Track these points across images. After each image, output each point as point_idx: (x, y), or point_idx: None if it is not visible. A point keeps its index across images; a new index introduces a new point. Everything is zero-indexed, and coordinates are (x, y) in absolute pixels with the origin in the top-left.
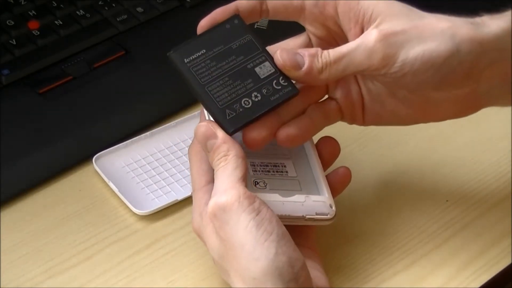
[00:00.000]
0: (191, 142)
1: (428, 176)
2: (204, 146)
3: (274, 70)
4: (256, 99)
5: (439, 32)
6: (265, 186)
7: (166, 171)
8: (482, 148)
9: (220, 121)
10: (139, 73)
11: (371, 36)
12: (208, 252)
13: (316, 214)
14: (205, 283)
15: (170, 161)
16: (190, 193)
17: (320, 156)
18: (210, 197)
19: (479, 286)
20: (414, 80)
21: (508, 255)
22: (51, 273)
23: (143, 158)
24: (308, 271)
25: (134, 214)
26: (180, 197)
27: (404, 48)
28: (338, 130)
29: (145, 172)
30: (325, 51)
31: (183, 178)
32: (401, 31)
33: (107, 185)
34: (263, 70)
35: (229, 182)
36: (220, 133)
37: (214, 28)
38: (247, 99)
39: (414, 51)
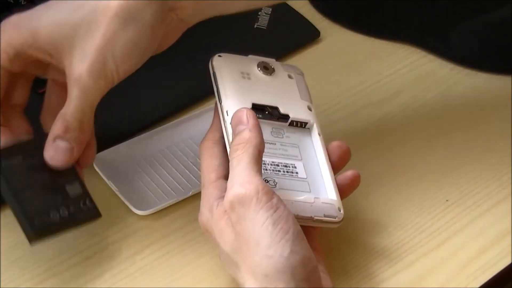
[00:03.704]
0: (191, 141)
1: (428, 176)
2: (235, 130)
3: (82, 191)
4: (63, 215)
5: None
6: (275, 185)
7: (166, 171)
8: (482, 148)
9: (24, 227)
10: (139, 72)
11: (83, 74)
12: (209, 251)
13: (325, 216)
14: (205, 283)
15: (170, 161)
16: (190, 193)
17: (330, 160)
18: (220, 192)
19: (479, 286)
20: None
21: (508, 255)
22: (51, 273)
23: (143, 158)
24: (319, 272)
25: (134, 214)
26: (180, 197)
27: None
28: (338, 130)
29: (145, 172)
30: (67, 117)
31: (183, 178)
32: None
33: (107, 185)
34: (73, 189)
35: (245, 174)
36: (252, 121)
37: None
38: (55, 212)
39: None
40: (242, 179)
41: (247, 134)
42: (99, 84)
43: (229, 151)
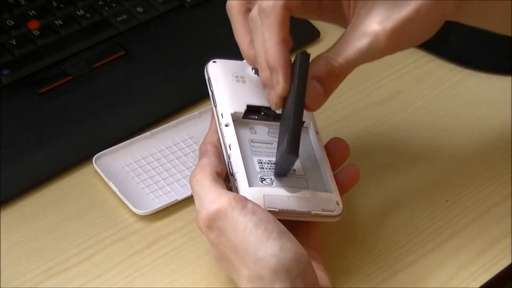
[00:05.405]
0: (191, 141)
1: (428, 176)
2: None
3: None
4: None
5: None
6: (272, 182)
7: (166, 171)
8: (482, 148)
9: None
10: (139, 73)
11: (380, 36)
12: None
13: (322, 210)
14: (205, 283)
15: (170, 161)
16: (190, 193)
17: (329, 157)
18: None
19: (479, 286)
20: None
21: (508, 255)
22: (51, 273)
23: (143, 158)
24: (313, 268)
25: (134, 214)
26: (180, 197)
27: (411, 39)
28: (338, 129)
29: (145, 172)
30: (334, 63)
31: (183, 178)
32: (405, 21)
33: (107, 185)
34: None
35: (212, 192)
36: (211, 149)
37: None
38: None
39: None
40: (210, 197)
41: (205, 160)
42: (386, 51)
43: (190, 178)
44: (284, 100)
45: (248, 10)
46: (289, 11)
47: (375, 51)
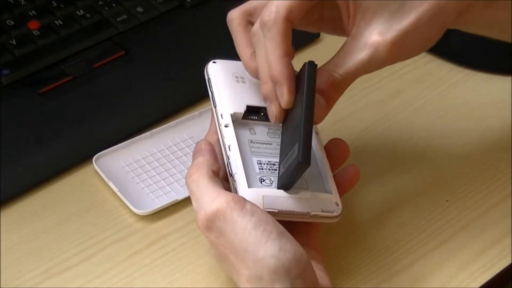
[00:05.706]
0: (191, 141)
1: (428, 176)
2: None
3: None
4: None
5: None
6: (271, 183)
7: (166, 171)
8: (482, 148)
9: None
10: (139, 73)
11: (381, 47)
12: (209, 251)
13: (322, 211)
14: (205, 283)
15: (170, 161)
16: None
17: (329, 157)
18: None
19: (479, 286)
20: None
21: (508, 255)
22: (51, 273)
23: (143, 158)
24: (313, 268)
25: (134, 214)
26: (180, 197)
27: (412, 49)
28: (338, 130)
29: (145, 172)
30: (336, 75)
31: (183, 178)
32: (406, 32)
33: (107, 185)
34: None
35: (209, 192)
36: (205, 147)
37: None
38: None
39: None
40: (208, 198)
41: (200, 159)
42: (387, 62)
43: (186, 178)
44: (285, 114)
45: (249, 22)
46: (291, 24)
47: (376, 62)
